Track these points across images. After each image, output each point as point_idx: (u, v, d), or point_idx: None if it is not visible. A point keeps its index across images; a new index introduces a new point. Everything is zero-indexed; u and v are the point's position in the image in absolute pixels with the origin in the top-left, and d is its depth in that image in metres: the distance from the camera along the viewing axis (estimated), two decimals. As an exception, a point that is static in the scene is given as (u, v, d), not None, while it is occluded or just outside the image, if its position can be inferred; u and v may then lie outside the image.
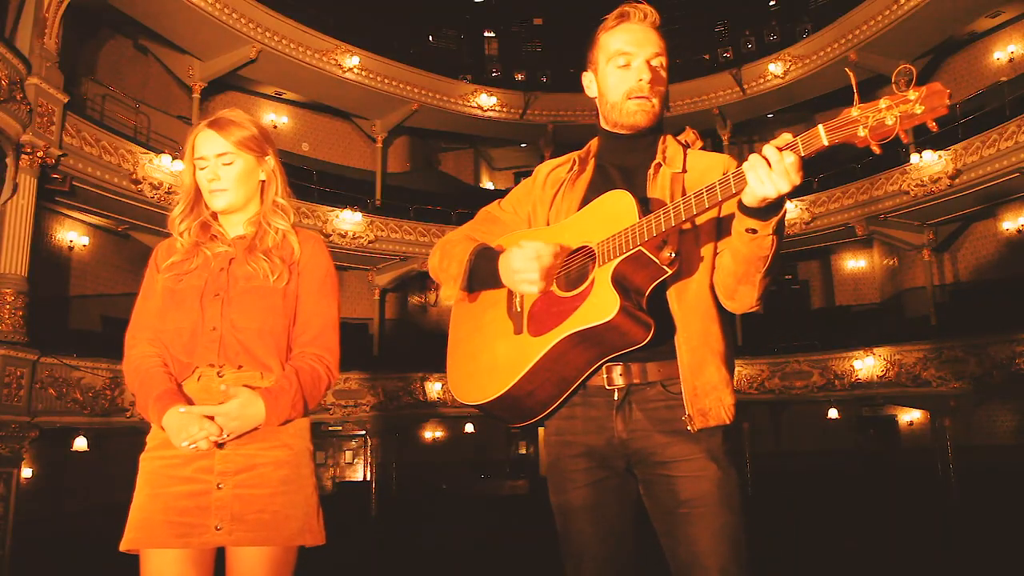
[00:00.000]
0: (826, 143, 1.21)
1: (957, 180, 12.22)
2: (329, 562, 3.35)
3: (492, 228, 1.74)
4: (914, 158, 12.75)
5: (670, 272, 1.41)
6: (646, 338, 1.39)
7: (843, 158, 14.65)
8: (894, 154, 13.56)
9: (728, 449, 1.49)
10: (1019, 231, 13.28)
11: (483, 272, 1.58)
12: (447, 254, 1.68)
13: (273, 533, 1.58)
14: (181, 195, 1.76)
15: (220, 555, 1.63)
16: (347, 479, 17.44)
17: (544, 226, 1.65)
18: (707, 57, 16.48)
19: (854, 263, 16.92)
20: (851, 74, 1.26)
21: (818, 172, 14.66)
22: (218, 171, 1.69)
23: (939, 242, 14.03)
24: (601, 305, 1.38)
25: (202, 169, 1.70)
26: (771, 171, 1.23)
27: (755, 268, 1.40)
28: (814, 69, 14.72)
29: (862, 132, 1.18)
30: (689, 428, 1.45)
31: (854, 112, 1.19)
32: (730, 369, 1.53)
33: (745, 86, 16.00)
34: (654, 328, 1.39)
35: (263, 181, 1.77)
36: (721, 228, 1.52)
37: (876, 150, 1.19)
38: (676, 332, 1.48)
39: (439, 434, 17.30)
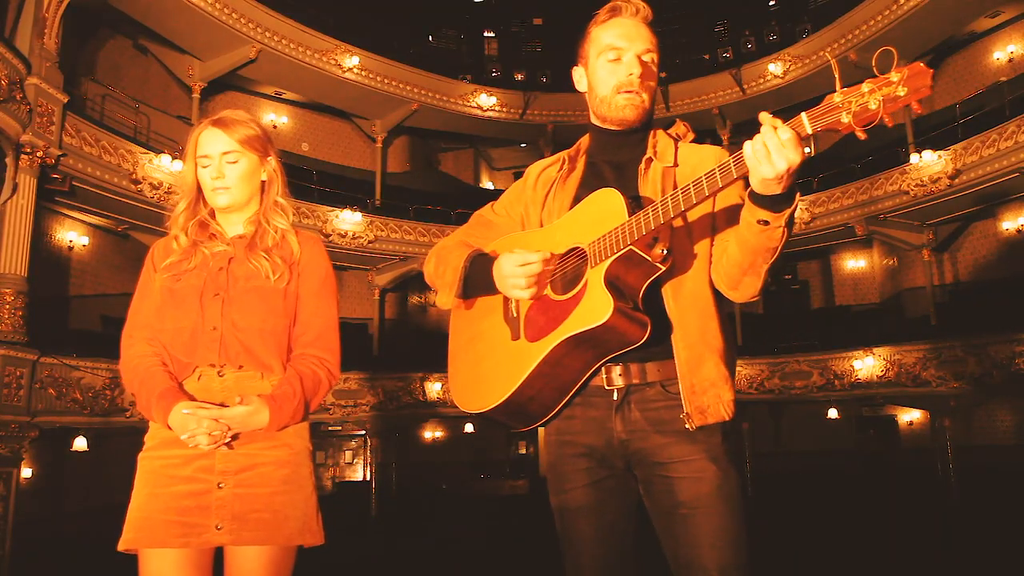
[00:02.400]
0: (809, 131, 1.19)
1: (957, 180, 12.22)
2: (329, 562, 3.35)
3: (486, 232, 1.73)
4: (914, 158, 12.76)
5: (663, 269, 1.39)
6: (643, 337, 1.38)
7: (843, 158, 14.66)
8: (894, 154, 13.57)
9: (728, 450, 1.48)
10: (1019, 231, 13.28)
11: (478, 279, 1.57)
12: (442, 260, 1.67)
13: (274, 533, 1.58)
14: (182, 193, 1.75)
15: (218, 555, 1.62)
16: (347, 479, 17.45)
17: (537, 227, 1.64)
18: (707, 57, 16.48)
19: (854, 263, 16.92)
20: (833, 62, 1.24)
21: (818, 172, 14.67)
22: (222, 169, 1.69)
23: (939, 242, 14.02)
24: (595, 307, 1.37)
25: (205, 167, 1.70)
26: (766, 151, 1.20)
27: (763, 259, 1.39)
28: (814, 69, 14.72)
29: (845, 118, 1.16)
30: (688, 426, 1.43)
31: (836, 98, 1.16)
32: (729, 366, 1.51)
33: (745, 86, 16.00)
34: (651, 326, 1.38)
35: (264, 181, 1.77)
36: (716, 222, 1.50)
37: (860, 135, 1.16)
38: (673, 330, 1.47)
39: (439, 434, 17.30)
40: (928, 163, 12.50)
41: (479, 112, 16.78)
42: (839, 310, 16.75)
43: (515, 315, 1.55)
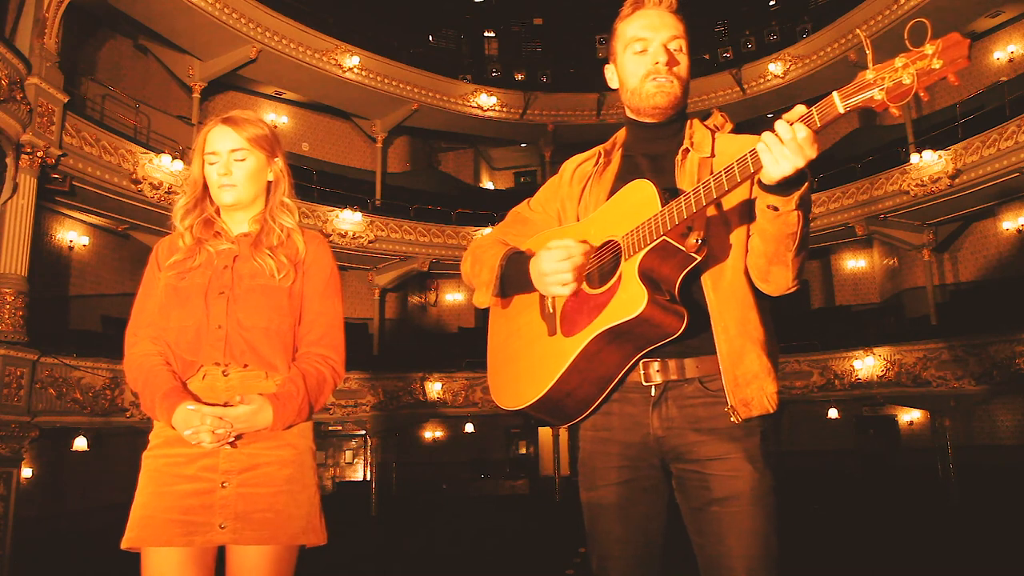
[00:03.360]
0: (842, 111, 1.17)
1: (957, 180, 12.22)
2: (329, 562, 3.35)
3: (523, 229, 1.72)
4: (914, 158, 12.76)
5: (698, 259, 1.37)
6: (680, 328, 1.36)
7: (843, 158, 14.67)
8: (894, 154, 13.57)
9: (765, 451, 1.45)
10: (1019, 231, 13.28)
11: (515, 277, 1.57)
12: (478, 260, 1.66)
13: (277, 532, 1.58)
14: (186, 188, 1.75)
15: (220, 554, 1.62)
16: (347, 479, 17.45)
17: (573, 223, 1.63)
18: (707, 57, 16.49)
19: (854, 263, 16.92)
20: (863, 35, 1.22)
21: (818, 172, 14.66)
22: (230, 166, 1.69)
23: (939, 242, 14.03)
24: (629, 300, 1.36)
25: (212, 164, 1.70)
26: (784, 147, 1.19)
27: (784, 247, 1.36)
28: (814, 69, 14.73)
29: (879, 95, 1.13)
30: (733, 419, 1.41)
31: (869, 75, 1.14)
32: (771, 357, 1.47)
33: (745, 86, 16.01)
34: (687, 317, 1.36)
35: (270, 182, 1.78)
36: (751, 210, 1.46)
37: (895, 112, 1.15)
38: (712, 321, 1.44)
39: (439, 434, 17.30)
40: (928, 163, 12.50)
41: (479, 112, 16.78)
42: (839, 310, 16.75)
43: (551, 311, 1.54)
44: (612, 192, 1.55)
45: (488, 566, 8.24)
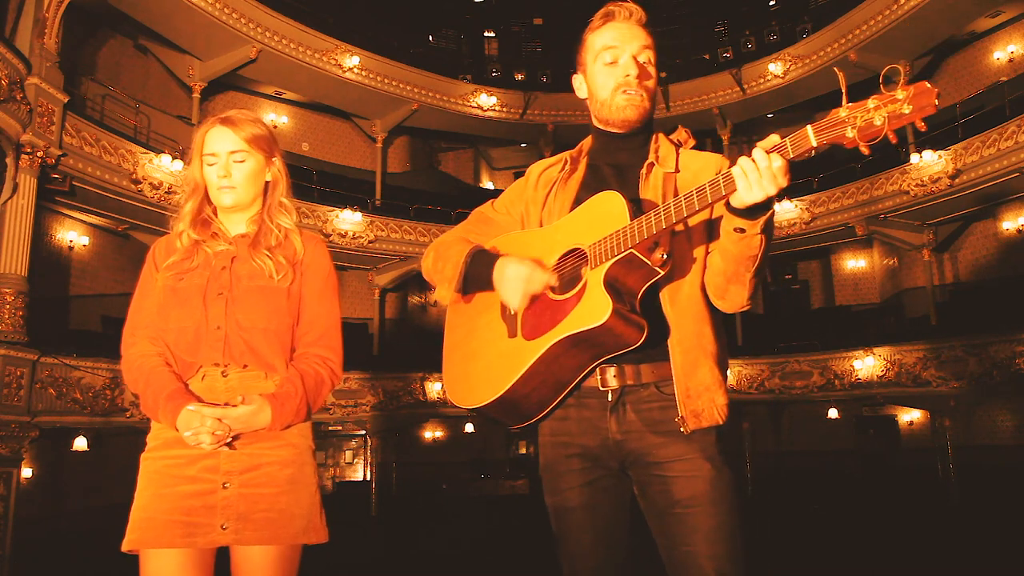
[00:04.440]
0: (815, 144, 1.20)
1: (957, 180, 12.22)
2: (329, 562, 3.35)
3: (486, 229, 1.74)
4: (914, 158, 12.76)
5: (662, 273, 1.40)
6: (640, 339, 1.39)
7: (843, 158, 14.65)
8: (894, 154, 13.56)
9: (722, 449, 1.48)
10: (1019, 231, 13.28)
11: (478, 275, 1.58)
12: (441, 255, 1.67)
13: (280, 531, 1.59)
14: (190, 190, 1.75)
15: (220, 555, 1.62)
16: (347, 479, 17.44)
17: (536, 226, 1.65)
18: (707, 57, 16.48)
19: (854, 263, 16.92)
20: (840, 74, 1.25)
21: (818, 172, 14.67)
22: (229, 168, 1.69)
23: (939, 242, 14.03)
24: (594, 308, 1.38)
25: (211, 165, 1.70)
26: (759, 176, 1.22)
27: (744, 267, 1.40)
28: (814, 69, 14.72)
29: (850, 133, 1.17)
30: (683, 430, 1.45)
31: (842, 112, 1.18)
32: (722, 370, 1.52)
33: (745, 86, 16.00)
34: (647, 329, 1.39)
35: (268, 183, 1.77)
36: (712, 229, 1.51)
37: (864, 151, 1.19)
38: (669, 334, 1.48)
39: (439, 434, 17.30)
40: (928, 163, 12.50)
41: (479, 112, 16.78)
42: (839, 310, 16.76)
43: (512, 312, 1.55)
44: (577, 199, 1.59)
45: (488, 566, 8.24)
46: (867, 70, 13.19)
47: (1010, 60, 13.78)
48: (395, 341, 16.33)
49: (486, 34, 18.63)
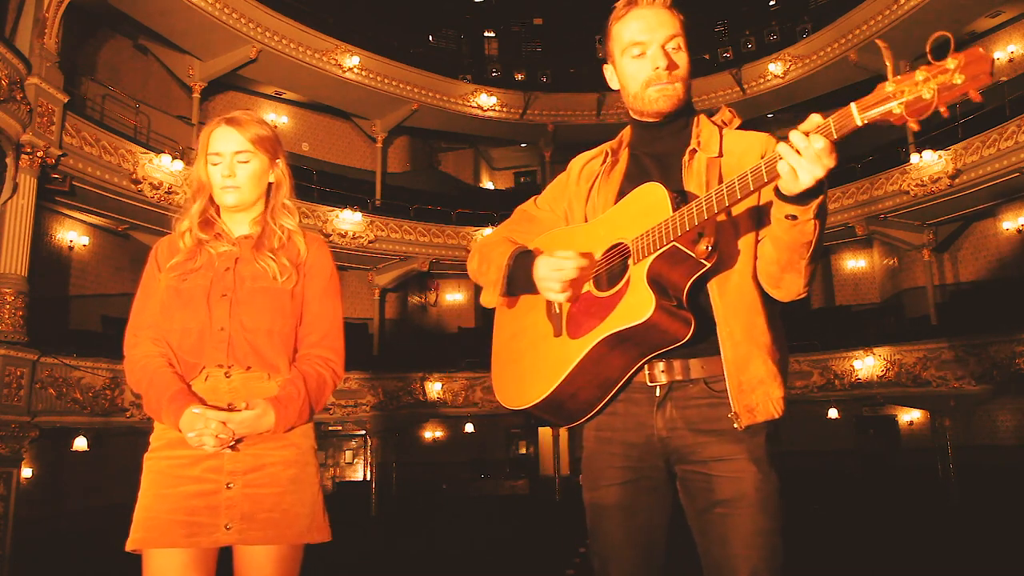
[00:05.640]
0: (859, 123, 1.13)
1: (957, 180, 12.22)
2: (329, 562, 3.35)
3: (530, 227, 1.71)
4: (914, 158, 12.76)
5: (708, 265, 1.36)
6: (687, 334, 1.35)
7: (842, 157, 14.62)
8: (894, 154, 13.58)
9: (771, 451, 1.44)
10: (1019, 231, 13.28)
11: (521, 277, 1.54)
12: (485, 258, 1.65)
13: (283, 531, 1.59)
14: (195, 190, 1.74)
15: (222, 555, 1.63)
16: (347, 479, 17.44)
17: (581, 222, 1.61)
18: (707, 57, 16.49)
19: (854, 263, 16.93)
20: (883, 47, 1.17)
21: (818, 172, 14.64)
22: (233, 168, 1.69)
23: (939, 242, 14.03)
24: (637, 305, 1.35)
25: (215, 165, 1.70)
26: (801, 159, 1.16)
27: (799, 255, 1.34)
28: (814, 69, 14.73)
29: (898, 109, 1.09)
30: (736, 425, 1.40)
31: (888, 87, 1.10)
32: (778, 362, 1.45)
33: (745, 86, 16.01)
34: (695, 324, 1.35)
35: (272, 184, 1.77)
36: (761, 215, 1.44)
37: (914, 127, 1.12)
38: (718, 327, 1.43)
39: (439, 434, 17.30)
40: (928, 163, 12.50)
41: (479, 112, 16.78)
42: (839, 310, 16.76)
43: (557, 311, 1.53)
44: (620, 192, 1.54)
45: (488, 566, 8.24)
46: (867, 70, 13.21)
47: (1010, 60, 13.80)
48: (395, 341, 16.33)
49: (486, 34, 18.64)
